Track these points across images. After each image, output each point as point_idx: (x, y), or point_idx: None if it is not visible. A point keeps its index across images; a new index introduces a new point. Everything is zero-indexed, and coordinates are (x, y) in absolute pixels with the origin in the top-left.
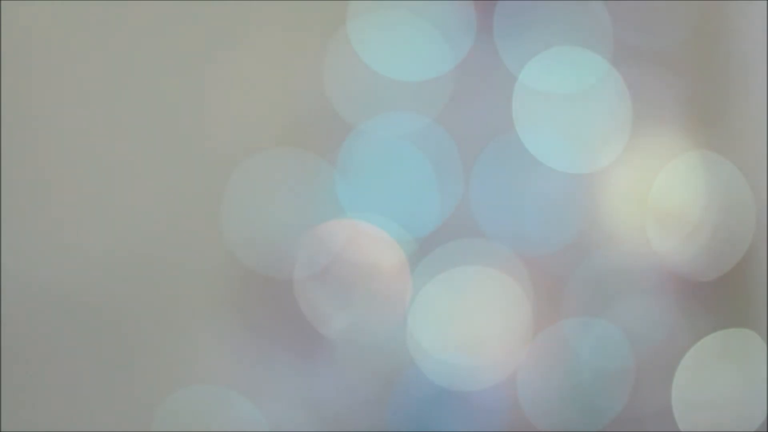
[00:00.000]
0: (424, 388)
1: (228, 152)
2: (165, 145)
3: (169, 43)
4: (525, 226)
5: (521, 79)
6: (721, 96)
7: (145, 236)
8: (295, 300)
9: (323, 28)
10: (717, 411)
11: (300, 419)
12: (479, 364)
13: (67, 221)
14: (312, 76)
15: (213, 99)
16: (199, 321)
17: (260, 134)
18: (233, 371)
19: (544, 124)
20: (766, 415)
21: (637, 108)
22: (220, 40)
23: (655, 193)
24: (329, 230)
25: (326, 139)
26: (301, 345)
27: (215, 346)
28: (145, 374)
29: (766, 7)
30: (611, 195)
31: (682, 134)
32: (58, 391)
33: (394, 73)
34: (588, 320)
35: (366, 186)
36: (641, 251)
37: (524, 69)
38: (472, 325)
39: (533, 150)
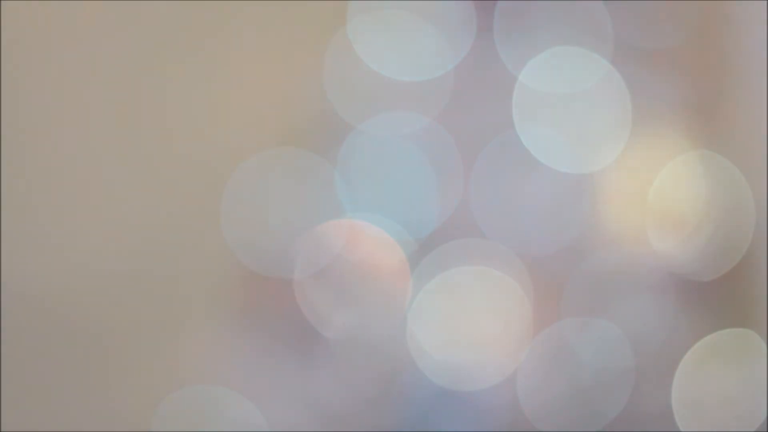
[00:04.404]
0: (424, 388)
1: (228, 152)
2: (165, 145)
3: (169, 43)
4: (525, 226)
5: (521, 79)
6: (721, 96)
7: (145, 236)
8: (295, 300)
9: (323, 28)
10: (717, 411)
11: (300, 419)
12: (479, 364)
13: (66, 221)
14: (312, 76)
15: (212, 99)
16: (199, 321)
17: (260, 134)
18: (233, 371)
19: (544, 124)
20: (766, 415)
21: (637, 108)
22: (219, 40)
23: (655, 193)
24: (329, 230)
25: (326, 139)
26: (301, 345)
27: (215, 346)
28: (145, 374)
29: (766, 7)
30: (611, 195)
31: (682, 134)
32: (57, 391)
33: (394, 73)
34: (588, 320)
35: (366, 186)
36: (641, 251)
37: (524, 69)
38: (472, 325)
39: (533, 150)
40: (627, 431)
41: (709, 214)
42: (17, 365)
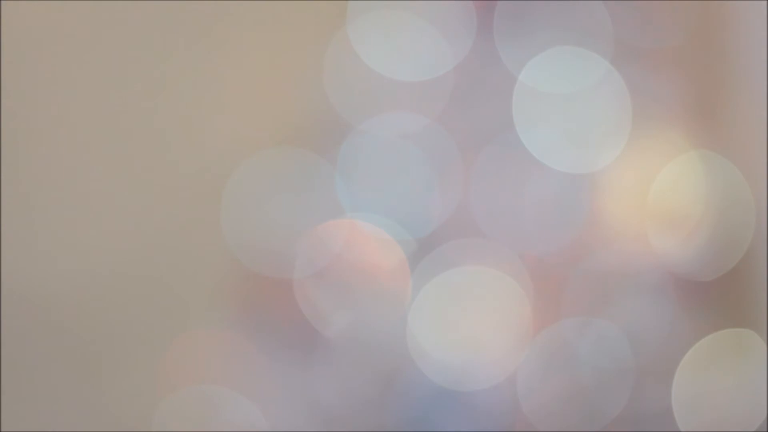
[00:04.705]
0: (424, 388)
1: (228, 152)
2: (165, 145)
3: (169, 43)
4: (525, 226)
5: (521, 79)
6: (721, 96)
7: (145, 236)
8: (295, 300)
9: (323, 28)
10: (717, 411)
11: (300, 419)
12: (479, 364)
13: (67, 222)
14: (312, 76)
15: (213, 99)
16: (199, 321)
17: (260, 134)
18: (233, 371)
19: (544, 124)
20: (766, 415)
21: (637, 108)
22: (219, 40)
23: (655, 193)
24: (329, 230)
25: (326, 139)
26: (301, 345)
27: (215, 346)
28: (145, 374)
29: (766, 7)
30: (611, 195)
31: (682, 134)
32: (57, 391)
33: (394, 73)
34: (588, 320)
35: (366, 186)
36: (641, 251)
37: (524, 69)
38: (472, 325)
39: (533, 150)
40: (627, 431)
41: (709, 214)
42: (17, 365)
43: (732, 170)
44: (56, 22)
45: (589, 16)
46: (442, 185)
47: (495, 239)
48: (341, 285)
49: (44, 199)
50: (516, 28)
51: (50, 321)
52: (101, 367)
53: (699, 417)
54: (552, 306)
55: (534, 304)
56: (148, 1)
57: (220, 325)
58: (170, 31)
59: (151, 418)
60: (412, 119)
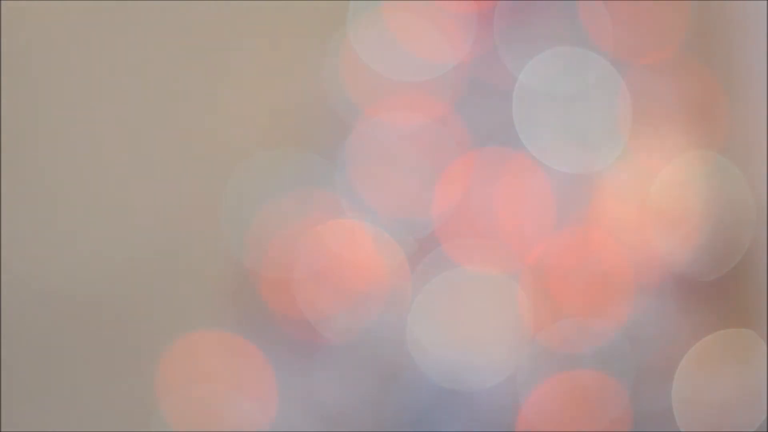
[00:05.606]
0: (424, 388)
1: (228, 152)
2: (165, 146)
3: (170, 43)
4: (525, 226)
5: (521, 79)
6: (721, 96)
7: (145, 236)
8: (295, 300)
9: (323, 28)
10: (717, 411)
11: (300, 419)
12: (479, 364)
13: (68, 222)
14: (312, 76)
15: (213, 99)
16: (199, 321)
17: (260, 134)
18: (233, 371)
19: (544, 124)
20: (766, 415)
21: (637, 108)
22: (220, 40)
23: (655, 193)
24: (329, 230)
25: (326, 139)
26: (301, 345)
27: (215, 346)
28: (145, 374)
29: (766, 7)
30: (611, 195)
31: (682, 134)
32: (58, 391)
33: (394, 73)
34: (588, 320)
35: (366, 186)
36: (641, 251)
37: (524, 69)
38: (472, 325)
39: (533, 150)
40: (627, 431)
41: (709, 214)
42: (17, 365)
43: (732, 170)
44: (56, 22)
45: (589, 16)
46: (442, 185)
47: (495, 239)
48: (341, 285)
49: (44, 200)
50: (516, 28)
51: (50, 321)
52: (101, 366)
53: (699, 417)
54: (552, 306)
55: (534, 304)
56: (149, 2)
57: (220, 325)
58: (170, 31)
59: (151, 418)
60: (412, 119)
